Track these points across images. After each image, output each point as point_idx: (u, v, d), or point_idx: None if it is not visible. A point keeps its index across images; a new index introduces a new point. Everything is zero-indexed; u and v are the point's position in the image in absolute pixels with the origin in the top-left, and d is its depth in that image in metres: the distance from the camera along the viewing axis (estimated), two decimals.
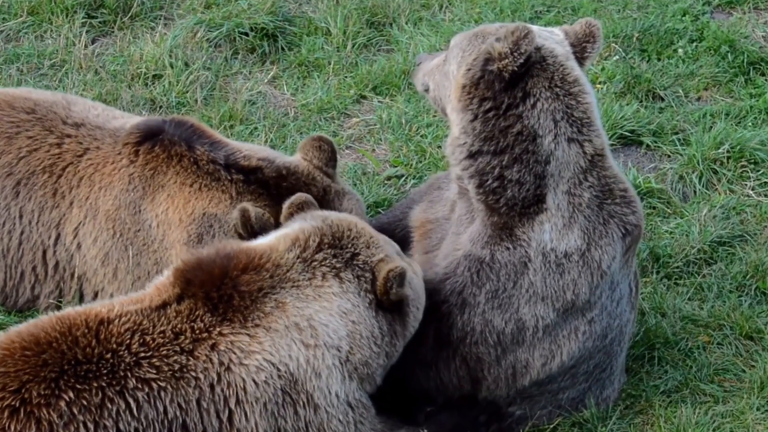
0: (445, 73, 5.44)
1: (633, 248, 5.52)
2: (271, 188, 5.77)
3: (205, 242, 5.64)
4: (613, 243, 5.35)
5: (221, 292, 4.76)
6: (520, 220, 5.27)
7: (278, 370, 4.74)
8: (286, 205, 5.28)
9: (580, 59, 5.35)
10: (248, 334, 4.72)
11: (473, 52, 5.26)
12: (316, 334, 4.81)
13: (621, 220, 5.38)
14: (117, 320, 4.65)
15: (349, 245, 5.00)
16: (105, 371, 4.54)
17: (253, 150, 5.95)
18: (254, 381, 4.70)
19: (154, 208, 5.80)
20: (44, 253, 5.99)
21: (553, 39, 5.31)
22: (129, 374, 4.55)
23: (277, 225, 5.38)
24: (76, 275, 5.96)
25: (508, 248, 5.30)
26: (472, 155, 5.27)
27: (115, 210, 5.85)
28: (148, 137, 5.89)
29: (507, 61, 5.09)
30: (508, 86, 5.14)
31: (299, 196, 5.29)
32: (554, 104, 5.17)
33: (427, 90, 5.68)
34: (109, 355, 4.57)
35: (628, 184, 5.50)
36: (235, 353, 4.69)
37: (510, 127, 5.16)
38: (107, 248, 5.88)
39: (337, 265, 4.95)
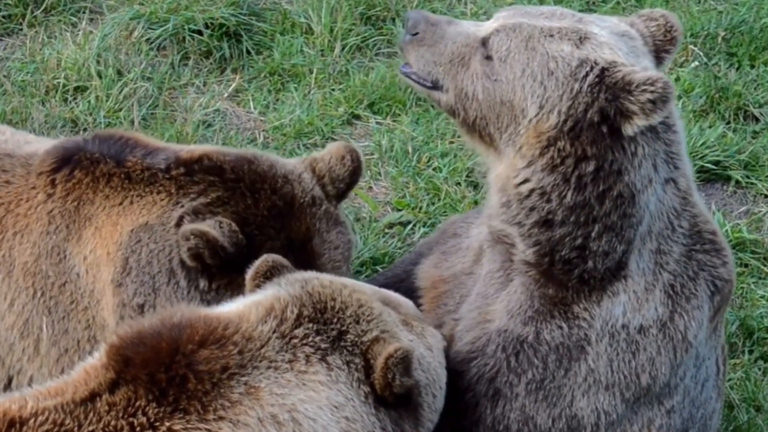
0: (502, 102, 5.29)
1: (722, 311, 5.54)
2: (227, 173, 5.66)
3: (130, 267, 5.64)
4: (701, 305, 5.38)
5: (171, 374, 4.71)
6: (587, 295, 5.31)
7: None
8: (249, 275, 5.23)
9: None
10: (209, 430, 4.71)
11: (564, 91, 5.16)
12: (301, 430, 4.84)
13: (710, 274, 5.41)
14: (32, 420, 4.60)
15: (335, 320, 4.99)
16: None
17: (208, 147, 5.86)
18: None
19: (82, 249, 5.74)
20: None
21: (638, 50, 5.26)
22: None
23: (242, 230, 5.36)
24: None
25: (560, 327, 5.33)
26: (548, 223, 5.28)
27: (35, 261, 5.82)
28: (66, 162, 5.89)
29: (644, 122, 5.04)
30: (617, 137, 5.16)
31: (265, 260, 5.22)
32: (655, 145, 5.20)
33: (435, 88, 5.51)
34: None
35: (716, 224, 5.53)
36: None
37: (609, 190, 5.17)
38: (27, 314, 5.82)
39: (323, 346, 4.93)
